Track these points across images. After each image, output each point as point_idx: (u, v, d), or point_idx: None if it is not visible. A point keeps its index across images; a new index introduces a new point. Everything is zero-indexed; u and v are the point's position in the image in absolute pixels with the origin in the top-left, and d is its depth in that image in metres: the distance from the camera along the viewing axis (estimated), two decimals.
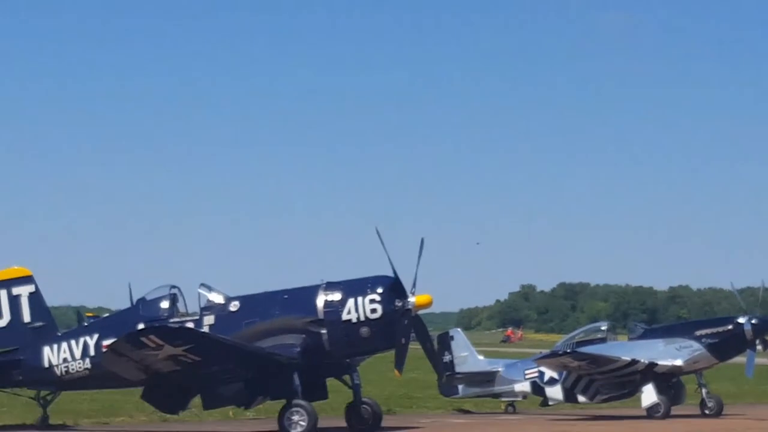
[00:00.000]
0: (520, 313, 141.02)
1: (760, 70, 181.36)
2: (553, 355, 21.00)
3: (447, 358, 21.34)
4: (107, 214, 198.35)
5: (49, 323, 15.48)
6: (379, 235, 13.46)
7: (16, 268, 15.74)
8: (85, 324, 16.46)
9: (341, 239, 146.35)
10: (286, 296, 14.24)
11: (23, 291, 15.27)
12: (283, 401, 13.56)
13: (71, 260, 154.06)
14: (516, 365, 22.56)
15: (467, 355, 22.22)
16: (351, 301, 13.54)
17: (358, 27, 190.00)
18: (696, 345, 20.44)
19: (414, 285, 13.56)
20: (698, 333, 20.70)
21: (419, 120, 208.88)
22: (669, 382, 20.55)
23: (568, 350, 20.95)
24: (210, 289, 14.34)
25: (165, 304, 14.34)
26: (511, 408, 21.91)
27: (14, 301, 15.17)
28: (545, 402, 21.48)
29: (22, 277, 15.42)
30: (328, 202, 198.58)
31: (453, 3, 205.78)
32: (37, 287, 15.44)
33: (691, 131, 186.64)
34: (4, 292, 15.21)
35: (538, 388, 21.17)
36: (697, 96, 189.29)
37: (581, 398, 20.91)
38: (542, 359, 21.13)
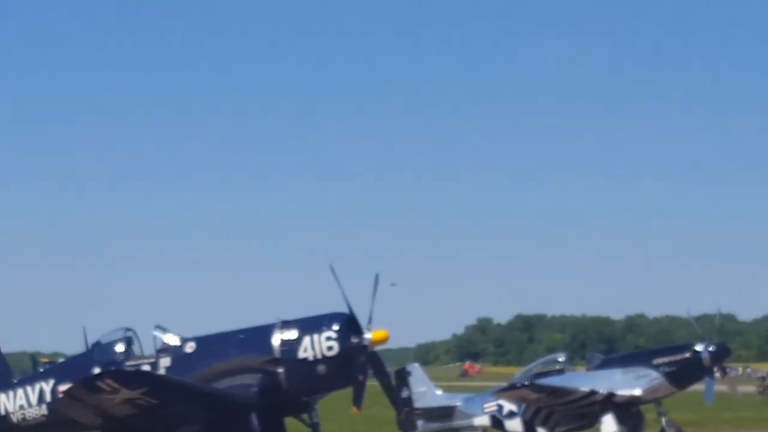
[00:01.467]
0: (477, 346, 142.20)
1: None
2: (512, 387, 21.14)
3: (405, 393, 21.30)
4: (61, 257, 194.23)
5: (4, 370, 15.19)
6: (333, 272, 13.65)
7: None
8: (41, 370, 16.17)
9: (296, 275, 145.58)
10: (242, 336, 14.22)
11: None
12: None
13: (25, 305, 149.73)
14: (475, 399, 22.57)
15: (425, 390, 22.21)
16: (307, 339, 13.59)
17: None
18: (654, 374, 20.61)
19: (370, 320, 13.67)
20: (656, 362, 20.89)
21: (372, 152, 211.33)
22: (628, 411, 20.67)
23: (527, 383, 21.00)
24: (165, 330, 14.22)
25: (120, 348, 14.19)
26: None
27: None
28: None
29: None
30: (281, 238, 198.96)
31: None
32: None
33: (638, 157, 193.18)
34: None
35: (497, 422, 21.15)
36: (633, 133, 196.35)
37: (541, 431, 20.96)
38: (501, 392, 21.16)
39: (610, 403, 20.02)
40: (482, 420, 21.28)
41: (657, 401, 21.19)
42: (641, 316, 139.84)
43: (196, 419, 13.41)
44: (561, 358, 23.53)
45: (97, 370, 13.18)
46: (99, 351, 14.21)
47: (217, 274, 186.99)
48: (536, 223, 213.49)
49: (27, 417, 14.01)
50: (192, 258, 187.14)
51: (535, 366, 23.96)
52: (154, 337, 14.13)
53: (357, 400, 13.61)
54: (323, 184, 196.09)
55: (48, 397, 13.94)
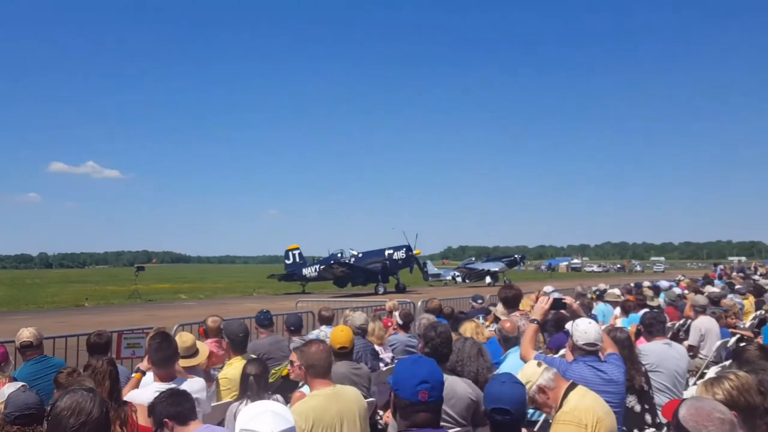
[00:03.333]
0: None
1: None
2: None
3: (425, 270, 56.95)
4: None
5: (303, 261, 48.04)
6: (404, 235, 44.22)
7: None
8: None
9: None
10: (375, 252, 44.85)
11: None
12: (376, 283, 44.08)
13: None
14: (447, 271, 59.17)
15: (431, 269, 59.71)
16: (396, 253, 43.85)
17: None
18: None
19: (414, 246, 44.24)
20: None
21: None
22: None
23: None
24: (353, 249, 45.69)
25: (339, 255, 45.74)
26: (446, 284, 51.05)
27: None
28: None
29: None
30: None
31: None
32: None
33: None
34: None
35: None
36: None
37: None
38: None
39: None
40: (449, 277, 55.36)
41: None
42: None
43: (362, 277, 43.89)
44: None
45: (331, 262, 43.98)
46: (332, 256, 45.81)
47: None
48: None
49: (308, 275, 45.75)
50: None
51: None
52: (349, 251, 44.93)
53: (411, 271, 43.68)
54: None
55: (317, 269, 45.27)
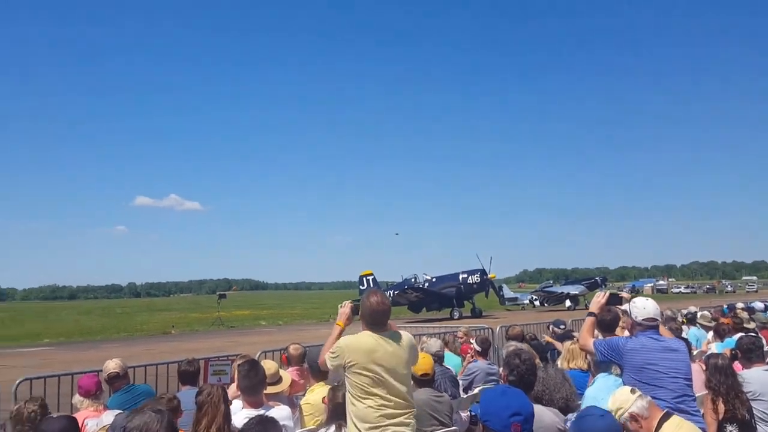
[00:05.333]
0: None
1: None
2: None
3: (501, 293, 53.38)
4: None
5: (377, 286, 48.08)
6: (479, 258, 43.58)
7: None
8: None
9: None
10: (451, 275, 44.64)
11: None
12: (451, 308, 43.75)
13: None
14: (524, 294, 58.12)
15: (507, 292, 56.72)
16: (471, 277, 43.30)
17: None
18: None
19: (489, 270, 43.53)
20: None
21: None
22: None
23: None
24: (426, 274, 45.45)
25: (412, 280, 45.59)
26: (523, 308, 50.62)
27: None
28: None
29: None
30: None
31: None
32: None
33: None
34: None
35: None
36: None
37: None
38: None
39: None
40: (526, 301, 54.43)
41: None
42: None
43: (436, 302, 43.69)
44: None
45: (405, 287, 44.04)
46: (406, 281, 45.45)
47: None
48: None
49: None
50: None
51: None
52: (423, 276, 44.86)
53: (486, 296, 42.94)
54: None
55: (391, 294, 45.27)
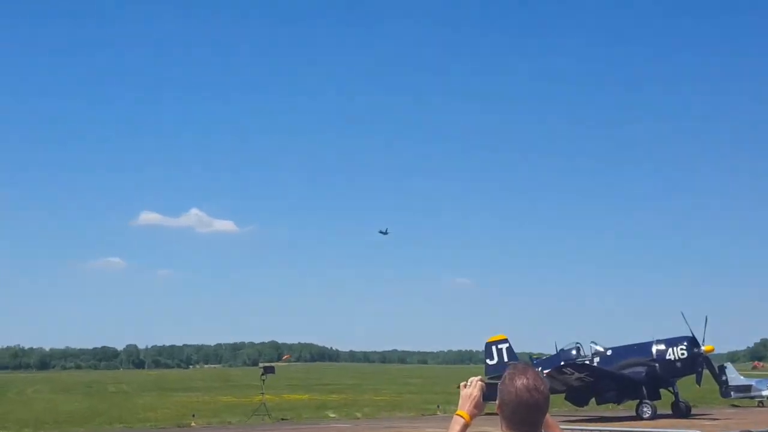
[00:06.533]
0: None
1: None
2: None
3: (723, 378, 33.18)
4: None
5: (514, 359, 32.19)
6: (684, 318, 26.80)
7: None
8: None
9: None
10: (635, 347, 28.26)
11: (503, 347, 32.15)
12: (638, 400, 27.12)
13: None
14: (762, 381, 35.66)
15: (735, 376, 35.15)
16: (671, 349, 26.69)
17: None
18: None
19: (703, 340, 26.28)
20: None
21: None
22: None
23: None
24: (596, 343, 28.96)
25: (573, 352, 29.31)
26: (761, 404, 34.25)
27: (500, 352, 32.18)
28: None
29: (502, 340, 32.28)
30: None
31: None
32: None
33: None
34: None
35: None
36: None
37: None
38: None
39: None
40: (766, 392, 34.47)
41: None
42: None
43: (613, 388, 27.44)
44: None
45: (562, 363, 28.24)
46: (563, 353, 29.38)
47: None
48: None
49: None
50: None
51: None
52: (591, 347, 28.74)
53: (698, 380, 26.58)
54: None
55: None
